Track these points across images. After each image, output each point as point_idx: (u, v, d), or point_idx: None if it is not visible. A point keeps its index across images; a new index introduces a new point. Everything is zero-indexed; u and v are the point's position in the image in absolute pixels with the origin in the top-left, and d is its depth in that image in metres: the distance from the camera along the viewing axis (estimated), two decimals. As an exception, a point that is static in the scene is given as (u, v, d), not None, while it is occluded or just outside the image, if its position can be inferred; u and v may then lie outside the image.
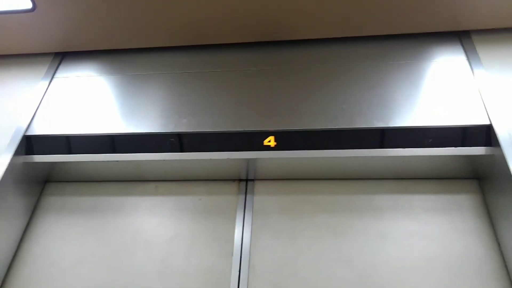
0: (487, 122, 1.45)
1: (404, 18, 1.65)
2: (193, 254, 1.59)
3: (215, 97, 1.71)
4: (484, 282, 1.38)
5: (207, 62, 1.84)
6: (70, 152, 1.67)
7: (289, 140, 1.56)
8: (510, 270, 1.37)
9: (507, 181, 1.32)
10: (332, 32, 1.76)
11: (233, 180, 1.77)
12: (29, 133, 1.71)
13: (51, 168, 1.80)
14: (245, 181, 1.76)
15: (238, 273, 1.51)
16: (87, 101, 1.79)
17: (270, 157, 1.55)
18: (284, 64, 1.77)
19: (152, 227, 1.68)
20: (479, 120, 1.46)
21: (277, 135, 1.56)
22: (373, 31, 1.74)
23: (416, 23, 1.68)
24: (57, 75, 1.92)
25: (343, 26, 1.71)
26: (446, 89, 1.56)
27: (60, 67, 1.95)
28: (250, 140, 1.57)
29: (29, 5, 1.65)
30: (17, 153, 1.64)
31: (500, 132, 1.40)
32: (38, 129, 1.72)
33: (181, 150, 1.61)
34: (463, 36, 1.71)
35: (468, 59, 1.64)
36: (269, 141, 1.56)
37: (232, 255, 1.56)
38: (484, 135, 1.44)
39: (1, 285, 1.59)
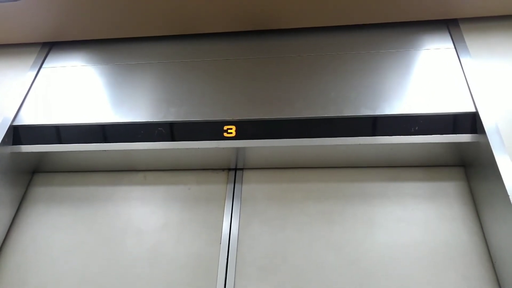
0: (473, 110, 1.46)
1: (393, 6, 1.65)
2: (182, 242, 1.59)
3: (204, 87, 1.70)
4: (468, 266, 1.40)
5: (196, 52, 1.83)
6: (58, 142, 1.66)
7: (278, 128, 1.56)
8: (492, 255, 1.39)
9: (492, 168, 1.34)
10: (320, 21, 1.75)
11: (222, 169, 1.78)
12: (16, 123, 1.70)
13: (39, 158, 1.79)
14: (234, 170, 1.76)
15: (226, 260, 1.52)
16: (76, 91, 1.78)
17: (259, 145, 1.55)
18: (273, 53, 1.77)
19: (142, 216, 1.68)
20: (465, 107, 1.47)
21: (266, 123, 1.57)
22: (361, 20, 1.74)
23: (405, 12, 1.68)
24: (45, 65, 1.90)
25: (331, 15, 1.71)
26: (434, 77, 1.57)
27: (48, 57, 1.93)
28: (239, 129, 1.57)
29: (14, -6, 1.64)
30: (3, 143, 1.63)
31: (486, 120, 1.41)
32: (26, 119, 1.71)
33: (170, 139, 1.61)
34: (451, 25, 1.72)
35: (455, 47, 1.65)
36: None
37: (221, 242, 1.57)
38: (470, 122, 1.45)
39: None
